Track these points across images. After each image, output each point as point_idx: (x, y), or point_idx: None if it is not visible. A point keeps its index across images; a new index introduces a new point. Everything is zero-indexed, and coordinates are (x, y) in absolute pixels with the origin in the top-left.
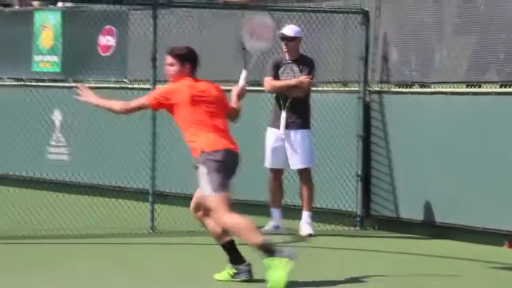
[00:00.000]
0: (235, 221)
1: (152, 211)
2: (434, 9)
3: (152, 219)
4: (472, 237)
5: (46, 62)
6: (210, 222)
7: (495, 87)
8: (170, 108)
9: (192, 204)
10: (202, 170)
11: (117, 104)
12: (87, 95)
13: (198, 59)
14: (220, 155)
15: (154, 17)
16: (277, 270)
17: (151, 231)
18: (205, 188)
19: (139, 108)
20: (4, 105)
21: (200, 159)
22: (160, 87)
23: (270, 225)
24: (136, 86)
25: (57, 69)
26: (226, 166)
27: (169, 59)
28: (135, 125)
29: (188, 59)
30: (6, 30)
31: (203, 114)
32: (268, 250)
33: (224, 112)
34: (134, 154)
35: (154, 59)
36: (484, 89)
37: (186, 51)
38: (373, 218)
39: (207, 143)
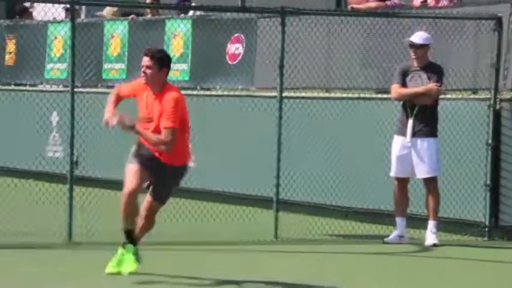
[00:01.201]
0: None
1: (276, 219)
2: None
3: (276, 227)
4: None
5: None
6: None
7: None
8: None
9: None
10: None
11: None
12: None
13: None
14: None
15: (283, 25)
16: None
17: (274, 239)
18: None
19: None
20: None
21: None
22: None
23: (394, 234)
24: (263, 94)
25: (186, 77)
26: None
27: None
28: (261, 132)
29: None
30: (139, 37)
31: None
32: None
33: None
34: (259, 162)
35: (281, 67)
36: None
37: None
38: (502, 228)
39: None
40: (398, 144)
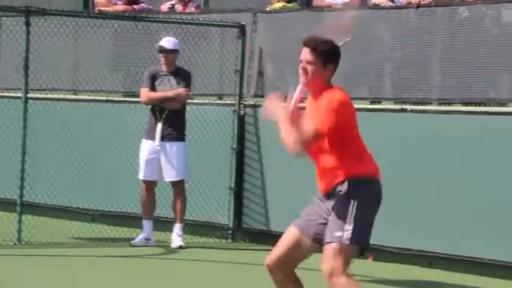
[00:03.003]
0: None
1: (20, 222)
2: (310, 25)
3: (19, 230)
4: None
5: None
6: None
7: (365, 104)
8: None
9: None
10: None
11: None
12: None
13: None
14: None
15: (27, 25)
16: None
17: (17, 243)
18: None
19: None
20: None
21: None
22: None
23: (140, 237)
24: (6, 94)
25: None
26: None
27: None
28: (5, 134)
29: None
30: None
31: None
32: None
33: None
34: (3, 163)
35: (26, 67)
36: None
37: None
38: (245, 230)
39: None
40: (147, 147)
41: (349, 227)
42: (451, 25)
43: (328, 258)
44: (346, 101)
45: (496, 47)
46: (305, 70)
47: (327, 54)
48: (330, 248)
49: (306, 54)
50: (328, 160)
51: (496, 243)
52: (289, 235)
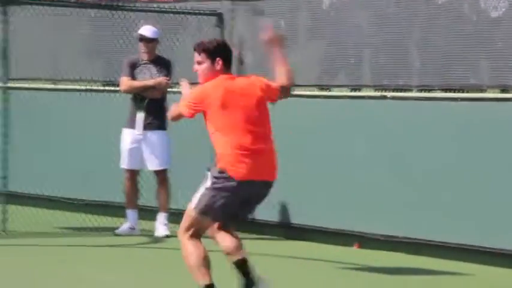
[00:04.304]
0: (189, 251)
1: (4, 212)
2: (288, 14)
3: (4, 220)
4: (325, 239)
5: None
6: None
7: (346, 91)
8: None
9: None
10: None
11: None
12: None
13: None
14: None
15: (5, 14)
16: None
17: (3, 233)
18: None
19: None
20: None
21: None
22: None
23: (125, 226)
24: None
25: None
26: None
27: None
28: None
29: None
30: None
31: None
32: None
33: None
34: None
35: (5, 57)
36: (335, 92)
37: (216, 44)
38: None
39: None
40: (129, 137)
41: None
42: (428, 10)
43: None
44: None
45: (475, 33)
46: (197, 71)
47: (211, 51)
48: None
49: (196, 57)
50: None
51: (485, 230)
52: None
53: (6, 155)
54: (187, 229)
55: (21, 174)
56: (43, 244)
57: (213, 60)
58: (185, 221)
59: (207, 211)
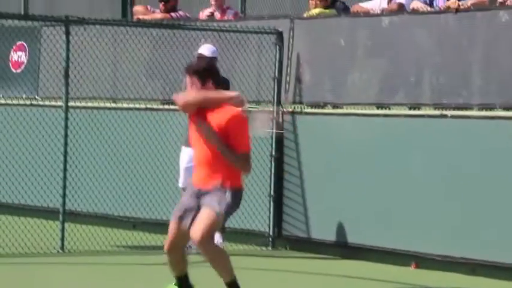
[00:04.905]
0: (219, 251)
1: (63, 230)
2: (347, 31)
3: (62, 238)
4: (381, 258)
5: None
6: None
7: (404, 110)
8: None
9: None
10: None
11: None
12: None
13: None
14: None
15: (67, 34)
16: None
17: (61, 251)
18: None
19: None
20: None
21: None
22: None
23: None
24: (47, 103)
25: None
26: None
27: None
28: (46, 143)
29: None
30: None
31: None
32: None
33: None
34: (45, 172)
35: (67, 76)
36: (394, 111)
37: (205, 65)
38: (285, 238)
39: None
40: (187, 155)
41: None
42: (490, 29)
43: None
44: None
45: None
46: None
47: (202, 73)
48: None
49: (187, 79)
50: None
51: None
52: None
53: (66, 173)
54: (211, 234)
55: (80, 193)
56: (101, 262)
57: (203, 81)
58: (210, 227)
59: (227, 212)
